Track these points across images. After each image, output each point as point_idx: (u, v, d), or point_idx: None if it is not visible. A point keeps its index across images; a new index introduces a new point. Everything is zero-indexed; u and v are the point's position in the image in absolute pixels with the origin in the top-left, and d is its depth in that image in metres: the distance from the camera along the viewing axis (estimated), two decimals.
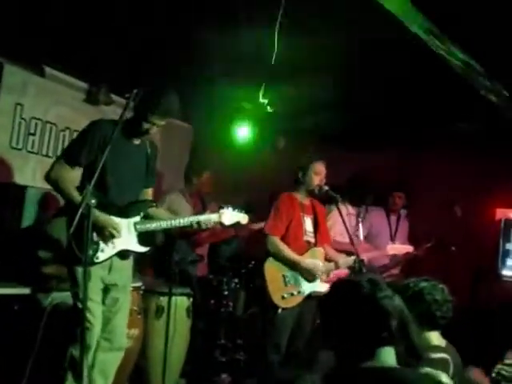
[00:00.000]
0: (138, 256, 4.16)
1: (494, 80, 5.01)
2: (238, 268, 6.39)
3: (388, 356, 2.08)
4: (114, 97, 6.08)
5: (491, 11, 3.87)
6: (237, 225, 4.41)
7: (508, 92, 5.22)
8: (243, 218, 4.38)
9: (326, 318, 2.22)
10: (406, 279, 3.20)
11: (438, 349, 2.97)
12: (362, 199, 6.38)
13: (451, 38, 4.33)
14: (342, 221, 4.91)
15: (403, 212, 6.74)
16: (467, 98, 5.35)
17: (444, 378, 2.39)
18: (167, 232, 4.89)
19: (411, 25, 4.05)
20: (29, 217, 5.51)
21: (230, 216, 4.27)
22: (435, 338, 3.03)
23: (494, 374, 3.38)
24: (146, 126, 3.89)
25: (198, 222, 4.11)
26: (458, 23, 4.08)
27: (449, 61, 4.53)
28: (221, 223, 4.27)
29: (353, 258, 4.80)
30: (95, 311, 3.80)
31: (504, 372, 3.35)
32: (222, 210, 4.23)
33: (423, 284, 3.07)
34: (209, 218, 4.16)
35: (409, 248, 5.77)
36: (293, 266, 4.79)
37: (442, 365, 2.88)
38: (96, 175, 3.43)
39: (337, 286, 2.28)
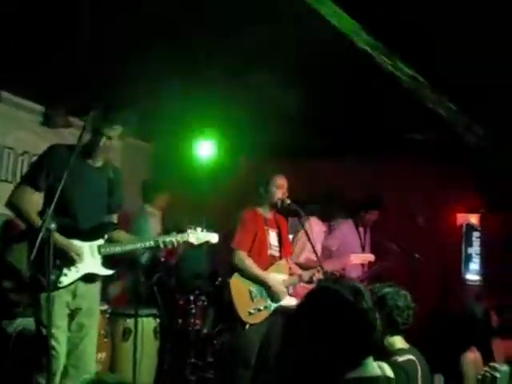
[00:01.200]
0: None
1: (440, 93, 5.15)
2: (205, 285, 6.36)
3: (371, 366, 2.05)
4: (72, 119, 6.03)
5: (436, 26, 4.01)
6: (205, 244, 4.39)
7: (453, 104, 5.35)
8: (213, 238, 4.36)
9: (302, 329, 2.06)
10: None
11: (403, 351, 3.04)
12: (333, 215, 6.37)
13: (397, 53, 4.46)
14: (306, 236, 4.92)
15: None
16: (418, 111, 5.48)
17: (387, 370, 2.41)
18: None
19: (358, 42, 4.17)
20: None
21: (199, 236, 4.25)
22: (399, 341, 3.11)
23: (479, 376, 3.53)
24: (98, 138, 3.83)
25: (164, 242, 4.08)
26: (404, 39, 4.21)
27: (396, 75, 4.66)
28: (189, 243, 4.26)
29: (315, 270, 4.84)
30: (60, 337, 3.72)
31: (488, 374, 3.49)
32: (189, 230, 4.21)
33: (387, 290, 3.14)
34: (176, 237, 4.12)
35: (370, 257, 5.83)
36: (259, 283, 4.79)
37: (410, 367, 2.93)
38: (55, 200, 3.39)
39: (316, 294, 2.12)
